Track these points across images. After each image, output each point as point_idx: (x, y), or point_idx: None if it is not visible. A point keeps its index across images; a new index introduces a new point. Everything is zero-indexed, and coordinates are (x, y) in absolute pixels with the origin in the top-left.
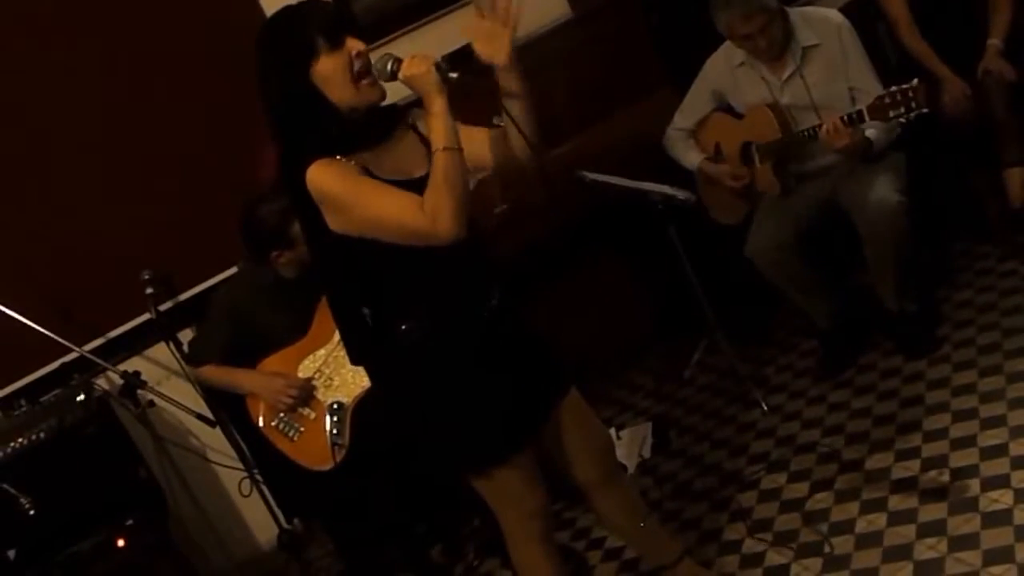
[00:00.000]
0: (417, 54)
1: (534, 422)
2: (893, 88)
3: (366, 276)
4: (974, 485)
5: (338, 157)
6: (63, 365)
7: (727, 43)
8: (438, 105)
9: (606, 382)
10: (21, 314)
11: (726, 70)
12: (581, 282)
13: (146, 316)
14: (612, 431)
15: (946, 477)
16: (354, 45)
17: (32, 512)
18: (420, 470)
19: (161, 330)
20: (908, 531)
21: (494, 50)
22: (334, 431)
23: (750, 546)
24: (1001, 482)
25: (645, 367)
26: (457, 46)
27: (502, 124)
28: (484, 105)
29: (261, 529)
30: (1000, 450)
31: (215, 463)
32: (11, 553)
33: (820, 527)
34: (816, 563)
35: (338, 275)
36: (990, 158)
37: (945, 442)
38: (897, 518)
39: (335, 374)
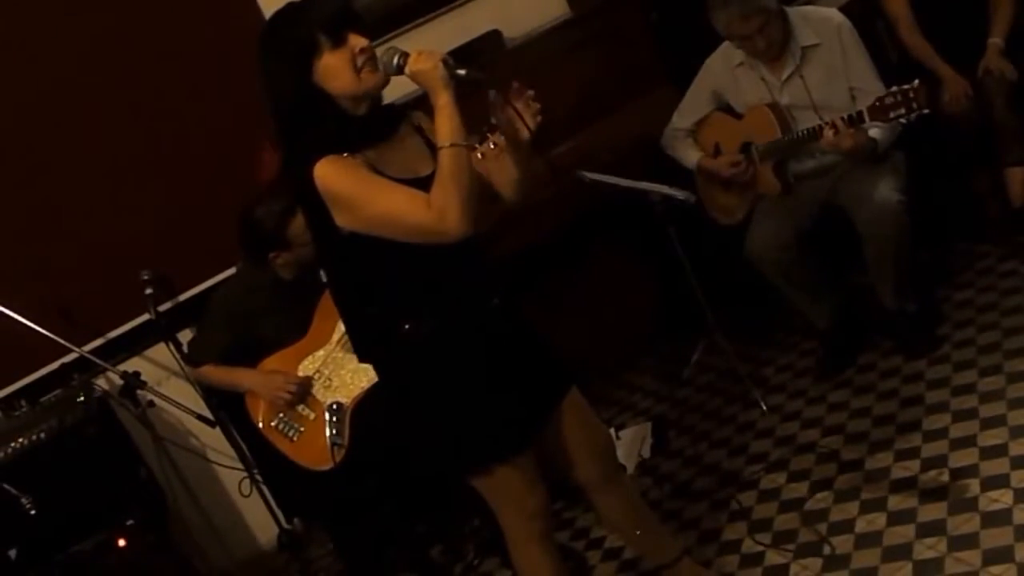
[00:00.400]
0: (424, 49)
1: (536, 422)
2: (894, 88)
3: (371, 275)
4: (974, 485)
5: (344, 155)
6: (63, 366)
7: (726, 43)
8: (445, 101)
9: (606, 382)
10: (21, 314)
11: (725, 70)
12: (581, 282)
13: (146, 316)
14: (612, 431)
15: (946, 477)
16: (357, 42)
17: (33, 512)
18: (421, 470)
19: (161, 330)
20: (908, 531)
21: (517, 127)
22: (333, 431)
23: (750, 546)
24: (1001, 482)
25: (645, 367)
26: (458, 44)
27: (487, 148)
28: (483, 104)
29: (261, 529)
30: (1000, 450)
31: (215, 463)
32: (12, 553)
33: (819, 527)
34: (816, 563)
35: (344, 273)
36: (990, 158)
37: (945, 442)
38: (897, 518)
39: (334, 375)
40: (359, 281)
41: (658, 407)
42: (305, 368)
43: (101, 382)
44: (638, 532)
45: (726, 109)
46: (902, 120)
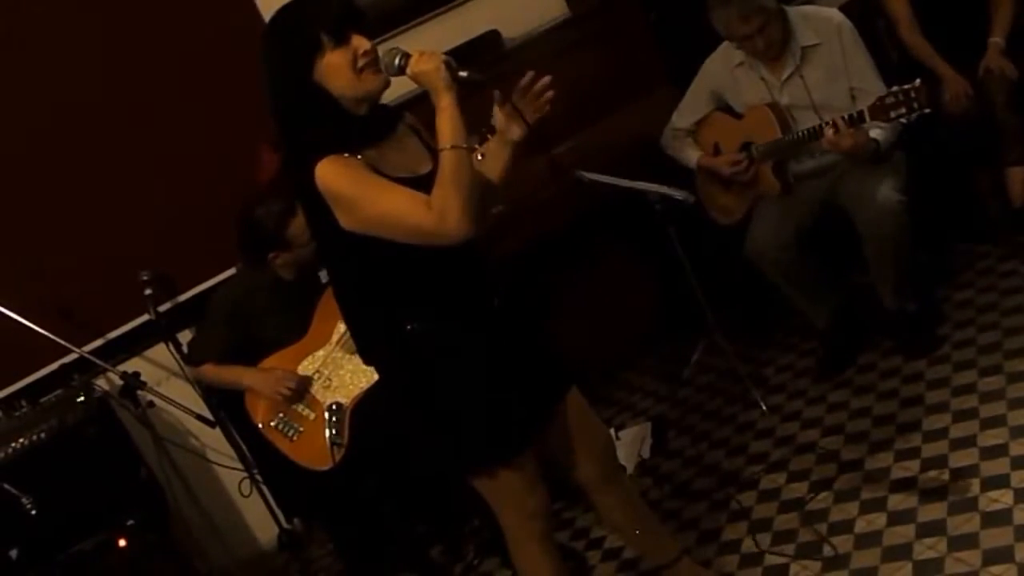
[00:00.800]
0: (425, 50)
1: (536, 422)
2: (895, 88)
3: (373, 275)
4: (974, 485)
5: (346, 155)
6: (63, 366)
7: (726, 43)
8: (447, 103)
9: (605, 382)
10: (21, 315)
11: (725, 70)
12: (580, 282)
13: (145, 317)
14: (612, 431)
15: (946, 477)
16: (361, 44)
17: (33, 512)
18: (422, 470)
19: (161, 331)
20: (907, 531)
21: (512, 126)
22: (333, 431)
23: (749, 546)
24: (1001, 482)
25: (645, 367)
26: (457, 43)
27: (487, 149)
28: (483, 105)
29: (261, 529)
30: (1000, 450)
31: (215, 463)
32: (13, 553)
33: (820, 527)
34: (816, 563)
35: (346, 273)
36: (990, 158)
37: (945, 442)
38: (897, 518)
39: (333, 375)
40: (361, 281)
41: (658, 407)
42: (305, 368)
43: (101, 382)
44: (638, 532)
45: (726, 109)
46: (903, 120)
